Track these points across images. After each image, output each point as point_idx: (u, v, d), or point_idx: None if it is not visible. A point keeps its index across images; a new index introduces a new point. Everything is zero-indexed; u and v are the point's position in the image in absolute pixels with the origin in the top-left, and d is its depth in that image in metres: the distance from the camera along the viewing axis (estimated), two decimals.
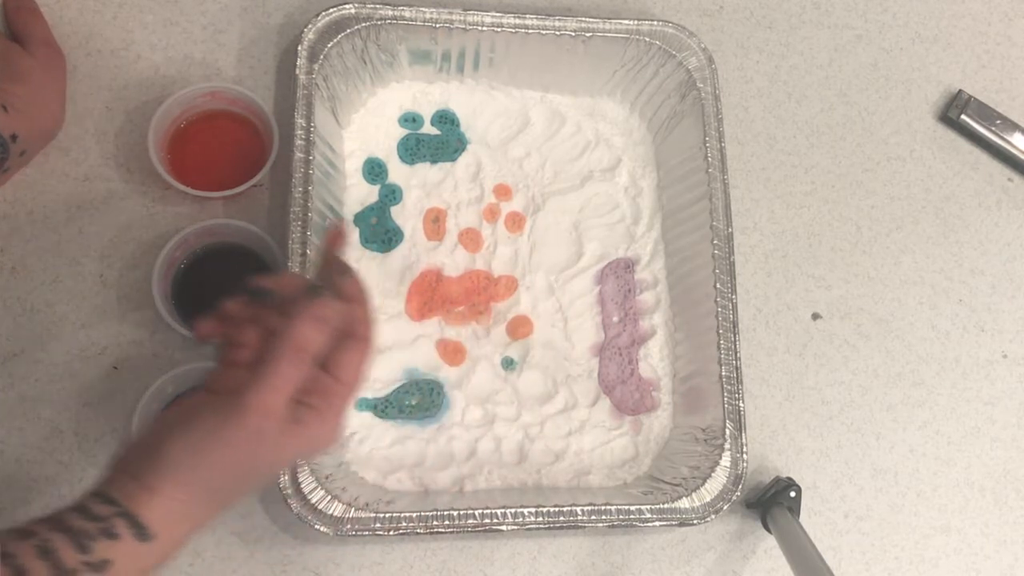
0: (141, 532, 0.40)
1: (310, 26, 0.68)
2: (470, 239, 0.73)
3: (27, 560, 0.38)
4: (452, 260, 0.72)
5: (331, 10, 0.68)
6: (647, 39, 0.72)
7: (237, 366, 0.45)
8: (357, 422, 0.67)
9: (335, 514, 0.60)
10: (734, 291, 0.69)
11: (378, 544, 0.66)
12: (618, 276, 0.74)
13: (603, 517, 0.63)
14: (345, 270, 0.49)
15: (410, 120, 0.74)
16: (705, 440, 0.68)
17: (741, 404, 0.67)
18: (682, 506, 0.64)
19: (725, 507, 0.65)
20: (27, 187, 0.66)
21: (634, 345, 0.73)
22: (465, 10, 0.70)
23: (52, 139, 0.66)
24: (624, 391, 0.72)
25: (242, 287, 0.48)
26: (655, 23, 0.73)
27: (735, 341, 0.68)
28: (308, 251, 0.63)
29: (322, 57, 0.67)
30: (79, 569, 0.38)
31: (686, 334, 0.72)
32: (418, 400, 0.68)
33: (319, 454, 0.47)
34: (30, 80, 0.62)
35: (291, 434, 0.44)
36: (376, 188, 0.72)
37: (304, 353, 0.44)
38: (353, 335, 0.47)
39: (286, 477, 0.59)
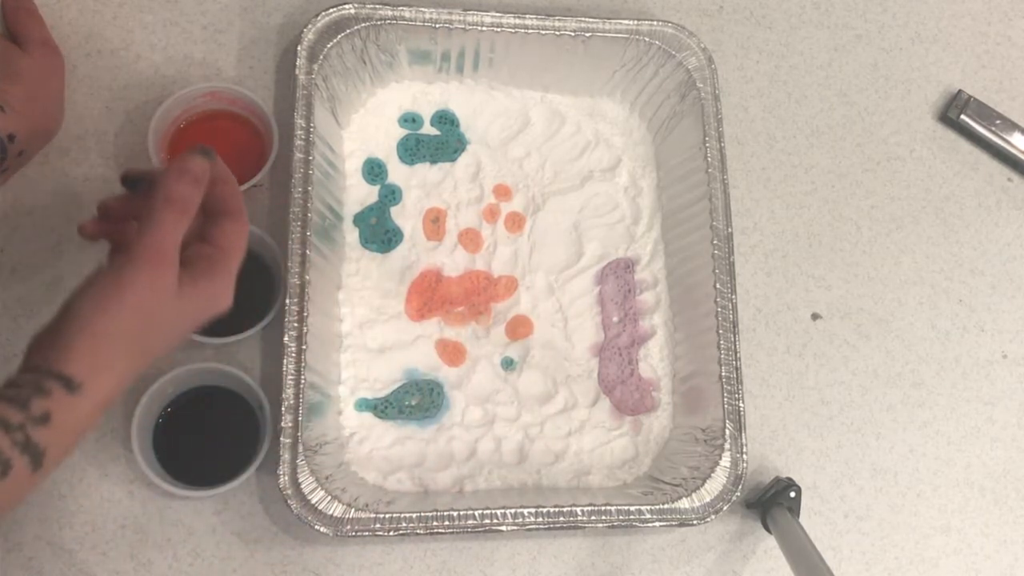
0: (68, 383, 0.44)
1: (310, 26, 0.68)
2: (470, 239, 0.73)
3: None
4: (452, 260, 0.72)
5: (331, 10, 0.68)
6: (647, 39, 0.72)
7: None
8: (357, 422, 0.67)
9: (335, 515, 0.60)
10: (734, 291, 0.69)
11: (378, 545, 0.66)
12: (618, 276, 0.74)
13: (603, 517, 0.63)
14: (205, 150, 0.52)
15: (410, 120, 0.74)
16: (705, 440, 0.68)
17: (741, 404, 0.67)
18: (682, 506, 0.64)
19: (725, 507, 0.65)
20: (27, 187, 0.66)
21: (634, 345, 0.73)
22: (465, 10, 0.70)
23: (51, 139, 0.66)
24: (624, 391, 0.72)
25: (124, 181, 0.52)
26: (655, 23, 0.73)
27: (735, 341, 0.68)
28: (308, 251, 0.63)
29: (322, 57, 0.67)
30: (25, 423, 0.43)
31: (686, 334, 0.72)
32: (418, 400, 0.68)
33: (212, 315, 0.52)
34: (27, 80, 0.63)
35: (186, 287, 0.48)
36: (376, 188, 0.72)
37: (179, 203, 0.48)
38: (226, 211, 0.52)
39: (286, 477, 0.59)
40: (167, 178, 0.49)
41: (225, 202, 0.53)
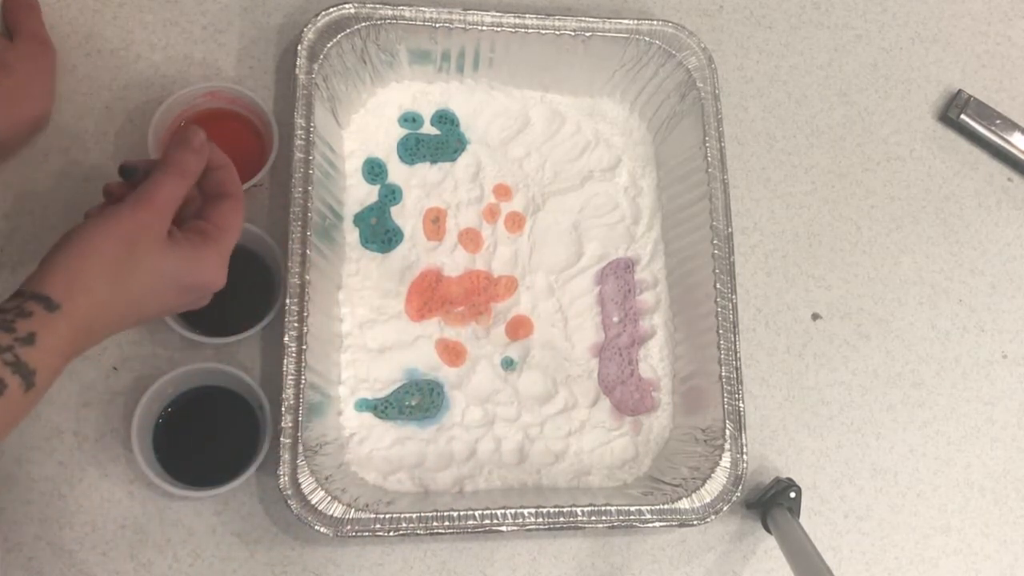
0: (47, 303, 0.46)
1: (310, 26, 0.68)
2: (470, 239, 0.73)
3: None
4: (452, 260, 0.72)
5: (331, 10, 0.68)
6: (647, 39, 0.72)
7: None
8: (357, 423, 0.67)
9: (335, 515, 0.60)
10: (734, 291, 0.69)
11: (378, 545, 0.66)
12: (618, 276, 0.74)
13: (603, 518, 0.63)
14: (200, 141, 0.54)
15: (410, 120, 0.74)
16: (705, 440, 0.68)
17: (741, 404, 0.67)
18: (682, 507, 0.64)
19: (725, 508, 0.65)
20: (27, 188, 0.66)
21: (634, 345, 0.73)
22: (465, 10, 0.70)
23: (39, 130, 0.67)
24: (624, 391, 0.72)
25: (121, 171, 0.53)
26: (655, 23, 0.73)
27: (735, 341, 0.68)
28: (308, 251, 0.63)
29: (322, 57, 0.67)
30: (13, 345, 0.44)
31: (686, 334, 0.72)
32: (418, 400, 0.68)
33: (203, 292, 0.53)
34: (13, 71, 0.63)
35: (175, 240, 0.51)
36: (376, 188, 0.72)
37: (177, 166, 0.51)
38: (223, 193, 0.55)
39: (286, 478, 0.59)
40: (173, 148, 0.52)
41: (223, 185, 0.55)
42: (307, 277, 0.62)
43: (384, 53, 0.71)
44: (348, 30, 0.68)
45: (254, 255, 0.66)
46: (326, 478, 0.61)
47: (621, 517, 0.63)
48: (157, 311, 0.53)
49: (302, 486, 0.60)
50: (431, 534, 0.61)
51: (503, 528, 0.62)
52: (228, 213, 0.55)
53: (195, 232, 0.53)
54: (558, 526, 0.63)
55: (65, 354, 0.47)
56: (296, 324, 0.62)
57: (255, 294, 0.66)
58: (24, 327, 0.45)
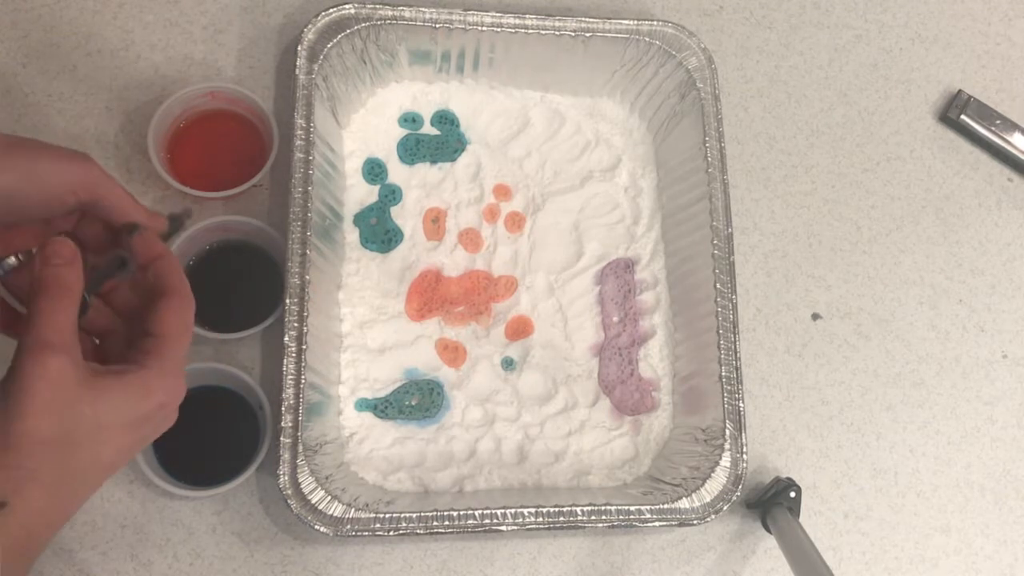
0: None
1: (310, 26, 0.68)
2: (470, 239, 0.73)
3: None
4: (452, 260, 0.72)
5: (331, 10, 0.68)
6: (647, 39, 0.72)
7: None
8: (357, 422, 0.67)
9: (335, 515, 0.60)
10: (734, 291, 0.69)
11: (378, 544, 0.66)
12: (618, 276, 0.74)
13: (603, 517, 0.63)
14: (132, 229, 0.47)
15: (410, 120, 0.74)
16: (705, 440, 0.68)
17: (741, 404, 0.67)
18: (682, 506, 0.64)
19: (725, 507, 0.65)
20: None
21: (634, 345, 0.73)
22: (465, 10, 0.70)
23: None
24: (624, 391, 0.72)
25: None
26: (655, 23, 0.73)
27: (735, 341, 0.68)
28: (308, 251, 0.63)
29: (322, 57, 0.67)
30: None
31: (686, 334, 0.72)
32: (418, 400, 0.68)
33: (163, 415, 0.45)
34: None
35: (104, 378, 0.42)
36: (376, 188, 0.72)
37: (52, 287, 0.42)
38: (162, 290, 0.46)
39: (286, 477, 0.59)
40: (37, 267, 0.43)
41: (162, 279, 0.46)
42: (307, 277, 0.62)
43: (384, 53, 0.71)
44: (348, 30, 0.68)
45: (263, 252, 0.66)
46: (326, 478, 0.61)
47: (621, 517, 0.63)
48: (113, 462, 0.44)
49: (302, 486, 0.60)
50: (431, 534, 0.61)
51: (503, 528, 0.62)
52: (169, 314, 0.45)
53: (135, 353, 0.44)
54: (558, 526, 0.63)
55: (24, 554, 0.39)
56: (296, 324, 0.62)
57: (260, 291, 0.66)
58: None
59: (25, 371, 0.40)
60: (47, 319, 0.41)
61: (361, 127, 0.73)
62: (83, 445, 0.41)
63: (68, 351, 0.41)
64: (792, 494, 0.69)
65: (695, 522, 0.64)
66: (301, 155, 0.65)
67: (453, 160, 0.74)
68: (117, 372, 0.43)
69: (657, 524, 0.64)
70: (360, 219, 0.71)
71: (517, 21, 0.71)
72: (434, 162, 0.74)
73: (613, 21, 0.72)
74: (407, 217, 0.72)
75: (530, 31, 0.71)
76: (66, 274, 0.43)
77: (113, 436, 0.43)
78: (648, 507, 0.64)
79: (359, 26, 0.68)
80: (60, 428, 0.40)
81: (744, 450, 0.66)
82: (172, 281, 0.47)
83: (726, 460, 0.66)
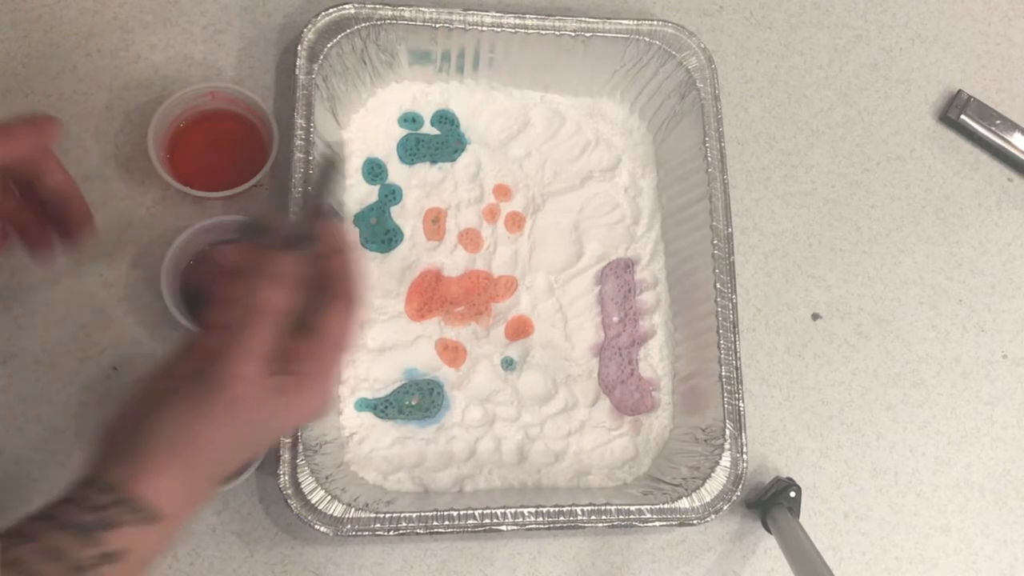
0: (147, 515, 0.39)
1: (310, 26, 0.68)
2: (470, 239, 0.73)
3: (36, 564, 0.36)
4: (452, 260, 0.72)
5: (331, 10, 0.68)
6: (647, 39, 0.72)
7: (220, 326, 0.44)
8: (357, 422, 0.67)
9: (335, 514, 0.60)
10: (734, 291, 0.69)
11: (378, 544, 0.66)
12: (618, 276, 0.74)
13: (603, 517, 0.63)
14: (320, 213, 0.47)
15: (410, 120, 0.74)
16: (705, 440, 0.68)
17: (741, 404, 0.67)
18: (682, 506, 0.64)
19: (725, 507, 0.65)
20: None
21: (634, 345, 0.73)
22: (465, 10, 0.70)
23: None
24: (624, 391, 0.72)
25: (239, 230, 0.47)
26: (655, 23, 0.73)
27: (735, 341, 0.68)
28: None
29: (322, 57, 0.67)
30: (96, 563, 0.37)
31: (686, 334, 0.72)
32: (418, 400, 0.68)
33: (314, 419, 0.47)
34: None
35: (277, 402, 0.43)
36: (376, 188, 0.72)
37: (266, 315, 0.43)
38: (333, 292, 0.46)
39: (286, 477, 0.59)
40: (256, 283, 0.43)
41: (331, 278, 0.46)
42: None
43: (384, 53, 0.71)
44: (348, 30, 0.68)
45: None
46: (326, 478, 0.61)
47: (621, 516, 0.63)
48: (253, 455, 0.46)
49: (302, 486, 0.60)
50: (431, 533, 0.61)
51: (503, 528, 0.62)
52: (335, 321, 0.45)
53: (301, 363, 0.44)
54: (558, 526, 0.63)
55: (150, 561, 0.40)
56: None
57: None
58: (113, 541, 0.38)
59: (219, 396, 0.41)
60: (247, 350, 0.42)
61: (361, 127, 0.73)
62: (238, 461, 0.44)
63: (259, 384, 0.42)
64: (792, 494, 0.69)
65: (695, 522, 0.64)
66: (301, 155, 0.65)
67: (453, 160, 0.74)
68: (284, 392, 0.43)
69: (657, 524, 0.64)
70: (360, 219, 0.71)
71: (517, 21, 0.71)
72: (434, 162, 0.74)
73: (613, 21, 0.72)
74: (407, 217, 0.72)
75: (530, 31, 0.71)
76: (274, 298, 0.43)
77: (265, 443, 0.46)
78: (648, 507, 0.64)
79: (359, 26, 0.68)
80: (231, 454, 0.43)
81: (744, 450, 0.66)
82: (342, 284, 0.46)
83: (726, 460, 0.66)
